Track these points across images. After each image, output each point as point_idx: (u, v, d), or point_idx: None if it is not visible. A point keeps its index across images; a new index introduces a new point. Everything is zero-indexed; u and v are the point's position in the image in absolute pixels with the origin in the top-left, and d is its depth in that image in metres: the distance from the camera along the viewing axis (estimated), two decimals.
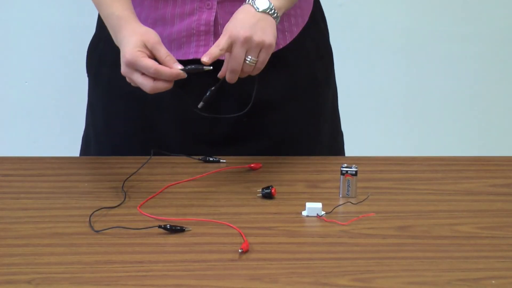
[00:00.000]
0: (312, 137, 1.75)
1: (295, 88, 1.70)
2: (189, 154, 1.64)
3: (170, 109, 1.67)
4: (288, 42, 1.69)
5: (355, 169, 1.48)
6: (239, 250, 1.29)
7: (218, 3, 1.62)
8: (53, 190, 1.51)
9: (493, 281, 1.23)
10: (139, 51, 1.47)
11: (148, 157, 1.58)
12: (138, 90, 1.65)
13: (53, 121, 2.99)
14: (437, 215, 1.43)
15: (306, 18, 1.72)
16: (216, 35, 1.63)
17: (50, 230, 1.37)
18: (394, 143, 3.05)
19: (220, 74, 1.53)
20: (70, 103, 2.96)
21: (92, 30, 1.78)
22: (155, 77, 1.46)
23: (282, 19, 1.67)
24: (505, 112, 3.12)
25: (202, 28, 1.63)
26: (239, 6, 1.60)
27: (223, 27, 1.59)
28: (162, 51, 1.49)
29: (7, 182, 1.55)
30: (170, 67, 1.47)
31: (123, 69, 1.49)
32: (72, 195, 1.49)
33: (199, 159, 1.63)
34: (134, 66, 1.47)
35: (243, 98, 1.60)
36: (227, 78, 1.51)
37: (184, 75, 1.48)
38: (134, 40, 1.48)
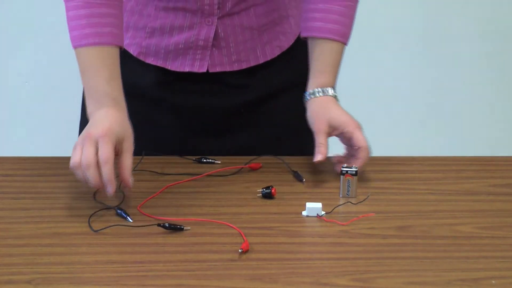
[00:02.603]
0: (307, 130, 1.75)
1: (292, 83, 1.71)
2: (185, 146, 1.64)
3: (167, 105, 1.68)
4: (291, 43, 1.70)
5: (355, 169, 1.48)
6: (239, 250, 1.29)
7: (218, 19, 1.63)
8: (53, 190, 1.51)
9: (493, 281, 1.23)
10: (117, 136, 1.41)
11: (140, 157, 1.58)
12: (134, 88, 1.66)
13: (53, 121, 2.99)
14: (437, 215, 1.43)
15: None
16: (218, 48, 1.64)
17: (50, 230, 1.37)
18: (392, 142, 3.04)
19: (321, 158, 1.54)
20: (70, 103, 2.96)
21: None
22: (101, 163, 1.38)
23: (283, 22, 1.69)
24: (505, 112, 3.12)
25: (201, 43, 1.64)
26: (238, 18, 1.62)
27: (225, 40, 1.61)
28: (129, 160, 1.42)
29: (7, 182, 1.55)
30: (123, 176, 1.42)
31: (90, 131, 1.41)
32: (72, 195, 1.49)
33: (193, 161, 1.62)
34: (97, 139, 1.39)
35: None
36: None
37: (111, 193, 1.39)
38: (118, 128, 1.42)
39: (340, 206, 1.45)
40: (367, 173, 1.58)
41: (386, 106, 3.08)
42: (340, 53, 1.63)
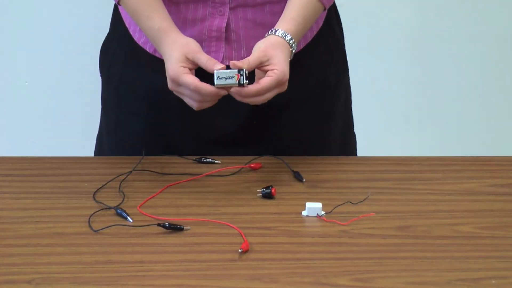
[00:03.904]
0: (322, 140, 1.74)
1: (306, 91, 1.69)
2: (197, 155, 1.63)
3: (180, 111, 1.67)
4: (302, 47, 1.68)
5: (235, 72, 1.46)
6: (239, 250, 1.29)
7: (230, 9, 1.62)
8: (53, 190, 1.52)
9: (493, 281, 1.23)
10: (181, 66, 1.48)
11: (140, 157, 1.59)
12: (148, 91, 1.65)
13: (53, 121, 2.99)
14: (437, 215, 1.43)
15: (320, 23, 1.71)
16: (228, 41, 1.63)
17: (50, 230, 1.37)
18: (391, 142, 3.05)
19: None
20: (69, 103, 2.96)
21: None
22: (195, 93, 1.47)
23: None
24: (505, 112, 3.12)
25: (214, 34, 1.62)
26: (251, 12, 1.61)
27: (235, 33, 1.60)
28: (202, 59, 1.49)
29: (7, 182, 1.55)
30: (211, 70, 1.47)
31: (169, 85, 1.50)
32: (72, 195, 1.49)
33: (193, 161, 1.62)
34: (177, 82, 1.48)
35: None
36: (247, 101, 1.49)
37: (224, 92, 1.47)
38: (175, 54, 1.50)
39: (340, 206, 1.45)
40: (367, 173, 1.59)
41: (386, 106, 3.08)
42: (315, 12, 1.59)
